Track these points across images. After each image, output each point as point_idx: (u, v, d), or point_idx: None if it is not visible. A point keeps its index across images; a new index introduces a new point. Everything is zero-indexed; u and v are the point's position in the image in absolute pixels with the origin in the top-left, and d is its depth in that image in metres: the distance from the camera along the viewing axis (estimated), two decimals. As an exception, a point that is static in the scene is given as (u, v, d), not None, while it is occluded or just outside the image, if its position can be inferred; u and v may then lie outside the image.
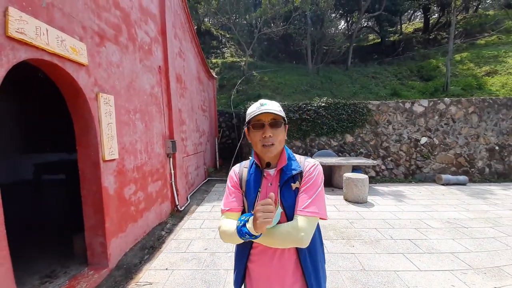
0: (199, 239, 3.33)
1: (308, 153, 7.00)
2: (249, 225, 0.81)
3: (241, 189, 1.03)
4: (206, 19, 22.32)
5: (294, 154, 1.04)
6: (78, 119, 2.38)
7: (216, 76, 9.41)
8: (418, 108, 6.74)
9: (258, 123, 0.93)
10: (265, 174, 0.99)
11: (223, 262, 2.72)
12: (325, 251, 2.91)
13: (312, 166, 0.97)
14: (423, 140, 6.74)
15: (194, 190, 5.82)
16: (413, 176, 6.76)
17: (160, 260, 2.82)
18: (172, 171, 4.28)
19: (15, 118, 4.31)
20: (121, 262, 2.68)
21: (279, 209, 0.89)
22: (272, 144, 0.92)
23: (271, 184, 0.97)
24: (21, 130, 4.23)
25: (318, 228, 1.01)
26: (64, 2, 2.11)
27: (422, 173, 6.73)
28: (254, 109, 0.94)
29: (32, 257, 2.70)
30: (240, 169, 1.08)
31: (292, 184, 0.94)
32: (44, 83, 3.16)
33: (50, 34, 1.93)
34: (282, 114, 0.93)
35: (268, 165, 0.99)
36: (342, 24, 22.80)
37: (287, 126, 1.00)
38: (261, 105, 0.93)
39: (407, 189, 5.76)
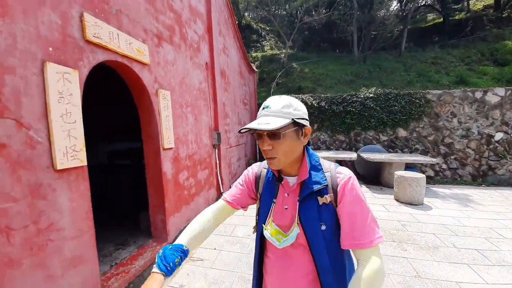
0: (241, 225, 3.51)
1: (353, 148, 6.60)
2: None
3: (257, 191, 0.96)
4: (246, 14, 22.53)
5: (322, 161, 0.88)
6: (143, 113, 2.72)
7: (256, 70, 9.51)
8: (492, 98, 5.69)
9: (256, 132, 0.80)
10: (282, 182, 0.88)
11: (265, 250, 2.83)
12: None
13: (349, 181, 0.79)
14: (498, 136, 5.69)
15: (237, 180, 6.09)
16: (483, 178, 5.80)
17: (209, 239, 3.09)
18: (217, 161, 4.57)
19: (94, 113, 5.14)
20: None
21: (296, 230, 0.80)
22: (274, 158, 0.78)
23: (288, 195, 0.85)
24: (98, 122, 5.03)
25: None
26: (130, 9, 2.41)
27: (496, 175, 5.72)
28: (259, 112, 0.82)
29: (108, 229, 3.25)
30: (259, 169, 0.99)
31: (319, 197, 0.79)
32: (113, 82, 3.68)
33: (121, 38, 2.23)
34: (284, 121, 0.73)
35: (280, 180, 0.88)
36: (395, 5, 20.31)
37: (306, 129, 0.81)
38: (263, 108, 0.79)
39: (475, 193, 4.97)
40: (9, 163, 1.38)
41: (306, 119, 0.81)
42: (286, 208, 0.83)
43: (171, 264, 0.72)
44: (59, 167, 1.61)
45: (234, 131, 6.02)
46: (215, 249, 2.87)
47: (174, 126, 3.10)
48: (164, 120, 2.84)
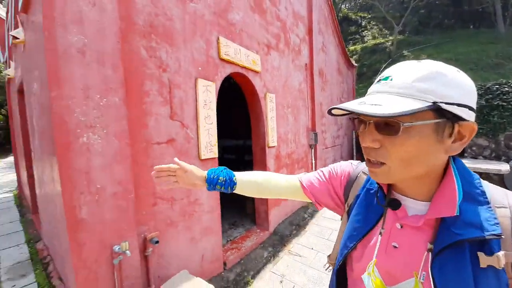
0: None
1: (501, 156, 4.82)
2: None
3: (345, 200, 0.66)
4: (343, 6, 21.02)
5: (485, 185, 0.49)
6: (253, 114, 3.12)
7: (355, 64, 8.69)
8: None
9: (358, 118, 0.50)
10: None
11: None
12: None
13: None
14: None
15: (330, 183, 5.84)
16: None
17: (305, 238, 3.15)
18: (313, 161, 4.55)
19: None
20: (276, 230, 3.27)
21: None
22: (381, 163, 0.47)
23: (401, 227, 0.51)
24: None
25: None
26: (248, 27, 2.80)
27: None
28: (370, 88, 0.51)
29: (223, 210, 3.95)
30: (355, 171, 0.67)
31: (481, 254, 0.42)
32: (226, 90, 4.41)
33: (242, 52, 2.64)
34: (414, 104, 0.40)
35: (394, 206, 0.52)
36: None
37: (463, 126, 0.43)
38: (379, 80, 0.48)
39: None
40: (176, 152, 1.95)
41: (470, 108, 0.43)
42: (396, 247, 0.51)
43: (216, 176, 0.76)
44: (202, 157, 2.12)
45: (330, 132, 5.79)
46: (312, 249, 2.89)
47: (277, 126, 3.35)
48: (270, 120, 3.13)
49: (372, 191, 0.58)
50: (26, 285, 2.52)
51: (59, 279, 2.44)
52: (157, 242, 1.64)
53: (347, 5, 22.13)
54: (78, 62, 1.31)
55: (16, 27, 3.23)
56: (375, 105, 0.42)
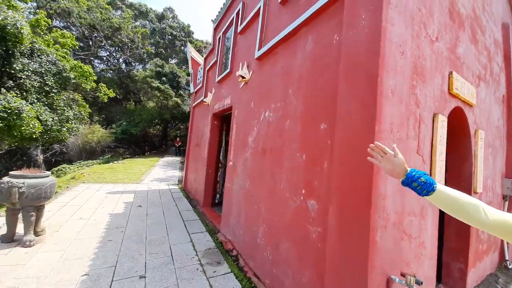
0: None
1: None
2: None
3: None
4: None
5: None
6: (456, 153, 2.74)
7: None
8: None
9: None
10: None
11: None
12: None
13: None
14: None
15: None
16: None
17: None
18: (509, 219, 3.49)
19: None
20: (474, 300, 2.60)
21: None
22: None
23: None
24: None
25: None
26: (467, 58, 2.58)
27: None
28: None
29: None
30: None
31: None
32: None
33: (465, 86, 2.43)
34: None
35: None
36: None
37: None
38: None
39: None
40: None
41: None
42: None
43: (418, 175, 0.82)
44: (438, 196, 1.98)
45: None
46: None
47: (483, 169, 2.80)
48: (479, 162, 2.65)
49: None
50: (224, 274, 2.97)
51: (255, 276, 2.82)
52: (421, 283, 1.56)
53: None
54: (388, 101, 1.51)
55: (231, 69, 4.40)
56: None
